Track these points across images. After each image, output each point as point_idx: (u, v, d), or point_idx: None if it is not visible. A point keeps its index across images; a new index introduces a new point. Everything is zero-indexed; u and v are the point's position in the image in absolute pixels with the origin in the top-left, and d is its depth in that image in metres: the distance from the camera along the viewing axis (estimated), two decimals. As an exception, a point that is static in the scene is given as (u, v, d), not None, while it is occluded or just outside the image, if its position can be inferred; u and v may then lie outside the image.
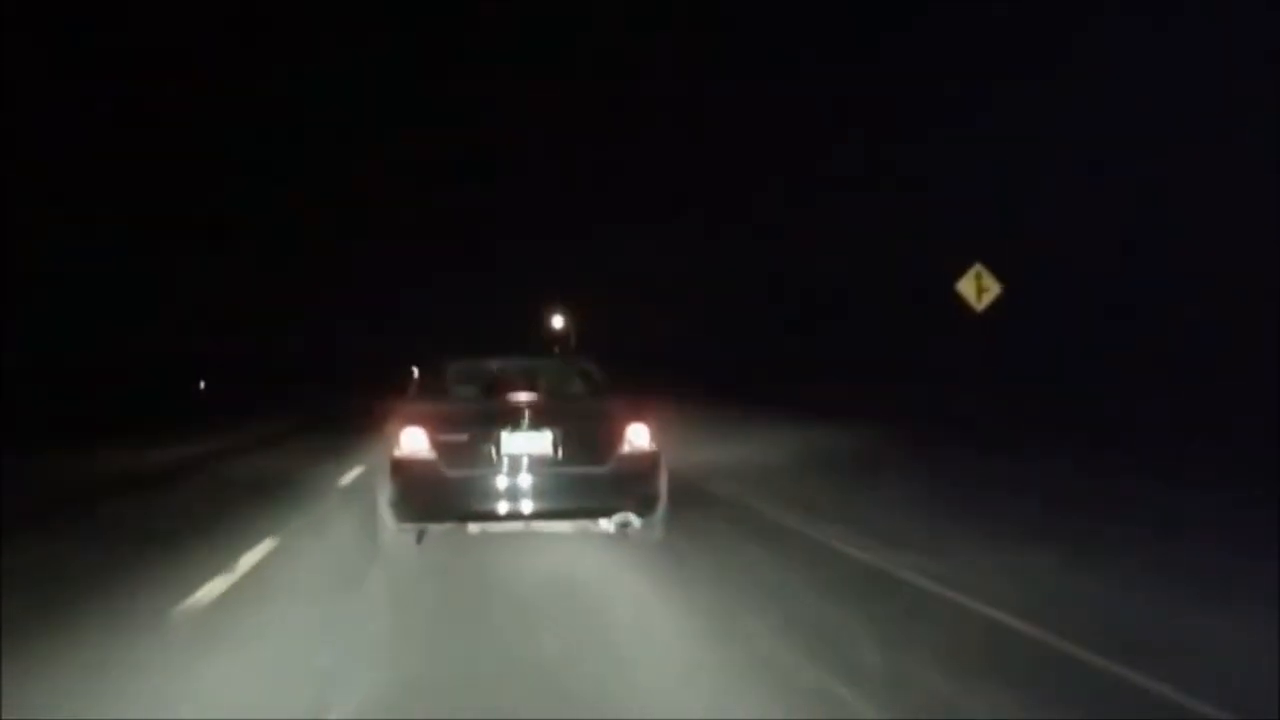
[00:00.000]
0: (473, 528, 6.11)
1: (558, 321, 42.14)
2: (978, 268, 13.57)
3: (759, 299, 37.63)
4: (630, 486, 6.07)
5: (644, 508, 6.07)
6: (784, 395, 22.56)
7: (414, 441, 6.04)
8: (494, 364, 7.69)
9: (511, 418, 6.16)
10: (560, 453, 6.05)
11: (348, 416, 19.91)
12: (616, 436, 6.12)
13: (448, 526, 6.11)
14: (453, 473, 5.99)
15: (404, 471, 6.03)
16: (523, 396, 6.86)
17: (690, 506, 7.73)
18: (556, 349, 25.82)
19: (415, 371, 8.38)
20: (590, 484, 6.04)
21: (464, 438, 6.06)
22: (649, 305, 41.03)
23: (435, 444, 6.02)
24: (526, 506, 5.99)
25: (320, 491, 9.62)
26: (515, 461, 6.02)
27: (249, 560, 6.19)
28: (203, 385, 41.27)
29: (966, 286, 13.63)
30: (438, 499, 6.00)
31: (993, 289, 13.45)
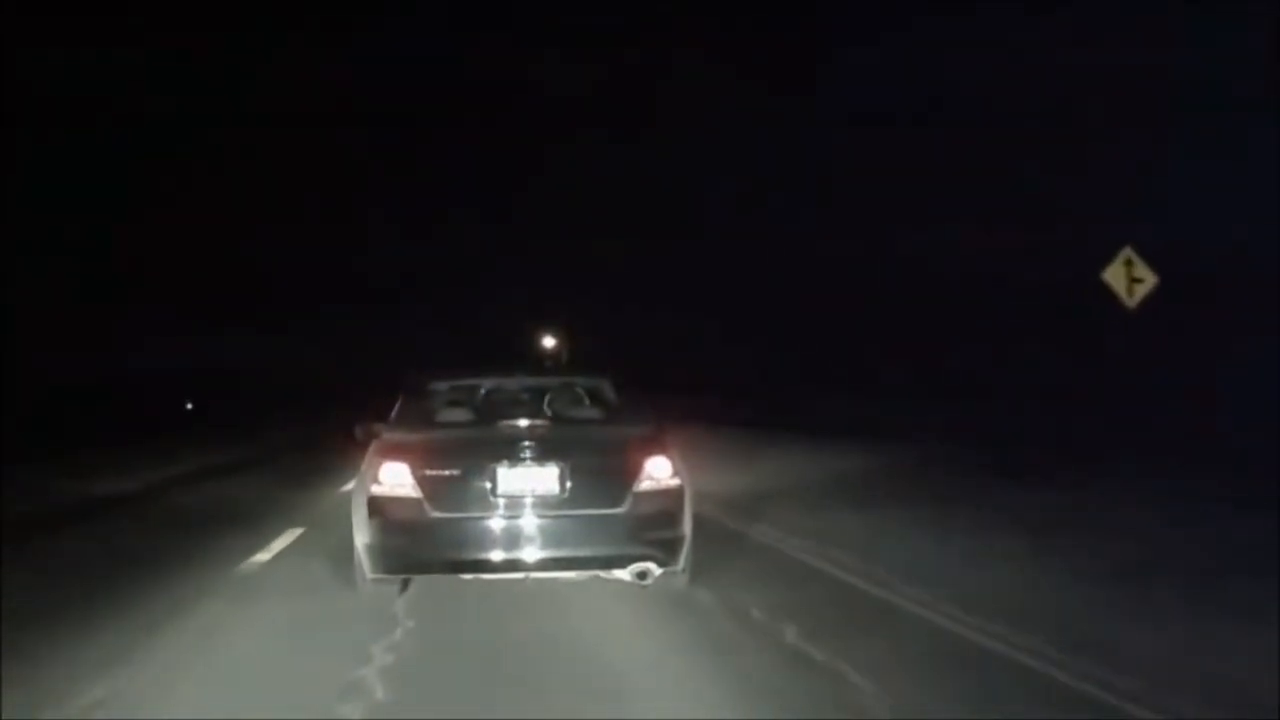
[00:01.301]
0: (464, 577, 5.40)
1: (549, 340, 40.08)
2: (1128, 253, 10.98)
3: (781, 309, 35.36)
4: (651, 530, 5.27)
5: (667, 554, 5.29)
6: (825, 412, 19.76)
7: (395, 477, 5.24)
8: (488, 383, 6.69)
9: (510, 449, 5.33)
10: (568, 491, 5.24)
11: (316, 445, 18.09)
12: (634, 470, 5.30)
13: (434, 577, 5.51)
14: (440, 514, 5.20)
15: (383, 513, 5.24)
16: (523, 423, 5.90)
17: (746, 581, 5.90)
18: (548, 364, 23.53)
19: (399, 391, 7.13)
20: (604, 528, 5.25)
21: (454, 473, 5.27)
22: (653, 315, 38.65)
23: (420, 480, 5.22)
24: (528, 554, 5.18)
25: (200, 593, 5.94)
26: (514, 501, 5.22)
27: None
28: (190, 405, 39.64)
29: (1115, 276, 10.92)
30: (422, 545, 5.22)
31: (1147, 279, 10.91)
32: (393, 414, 6.09)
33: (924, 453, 12.85)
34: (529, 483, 5.22)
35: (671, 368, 31.18)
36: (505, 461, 5.23)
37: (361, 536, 5.32)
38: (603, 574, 5.32)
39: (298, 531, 7.96)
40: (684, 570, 5.46)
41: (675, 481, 5.36)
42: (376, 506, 5.23)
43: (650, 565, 5.20)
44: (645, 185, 48.40)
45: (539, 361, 31.14)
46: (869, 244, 30.62)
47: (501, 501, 5.20)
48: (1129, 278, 10.80)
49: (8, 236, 28.13)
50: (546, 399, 6.45)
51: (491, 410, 6.30)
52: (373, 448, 5.58)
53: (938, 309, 27.59)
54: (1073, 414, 15.12)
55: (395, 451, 5.34)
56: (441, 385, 6.44)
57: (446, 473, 5.25)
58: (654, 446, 5.42)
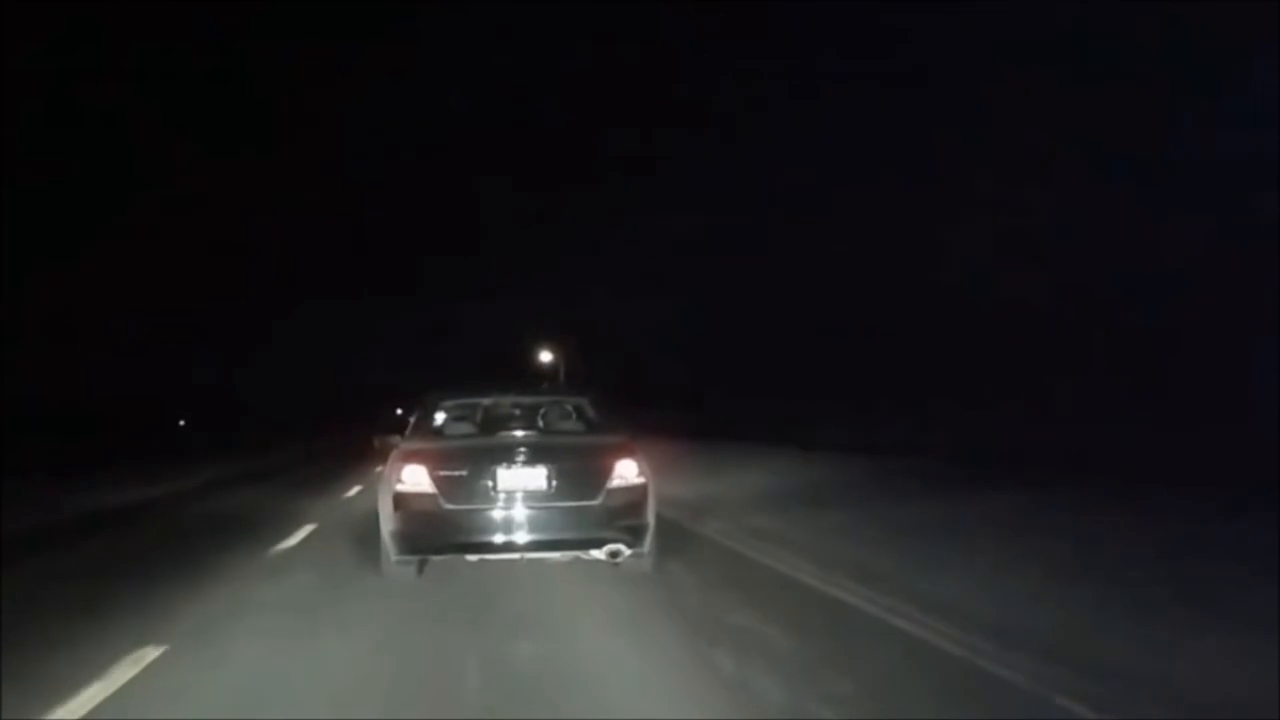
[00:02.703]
0: (470, 558, 6.46)
1: (546, 356, 39.78)
2: None
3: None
4: (620, 519, 6.37)
5: (633, 538, 6.40)
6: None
7: (414, 477, 6.34)
8: (488, 401, 7.84)
9: (507, 454, 6.47)
10: (553, 487, 6.36)
11: (297, 466, 18.77)
12: (606, 471, 6.43)
13: (447, 557, 6.53)
14: (452, 506, 6.29)
15: (405, 506, 6.35)
16: (518, 433, 7.18)
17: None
18: (545, 384, 23.58)
19: (400, 411, 8.42)
20: (582, 516, 6.35)
21: (462, 473, 6.37)
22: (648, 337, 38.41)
23: (435, 479, 6.32)
24: (521, 538, 6.29)
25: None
26: (511, 496, 6.33)
27: None
28: (182, 423, 39.71)
29: None
30: (437, 531, 6.31)
31: None
32: (409, 427, 7.36)
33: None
34: (522, 481, 6.35)
35: (670, 377, 31.02)
36: (504, 464, 6.38)
37: (387, 526, 6.45)
38: (581, 554, 6.43)
39: (153, 654, 4.77)
40: (649, 553, 6.57)
41: (640, 480, 6.51)
42: (400, 501, 6.36)
43: (620, 547, 6.31)
44: (645, 188, 48.44)
45: (534, 379, 31.44)
46: (870, 259, 30.23)
47: (501, 496, 6.32)
48: None
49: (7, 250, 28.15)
50: (540, 412, 7.64)
51: (491, 423, 7.54)
52: (394, 454, 6.68)
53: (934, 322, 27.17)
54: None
55: (414, 456, 6.48)
56: (450, 403, 7.64)
57: (456, 473, 6.36)
58: (624, 452, 6.56)
